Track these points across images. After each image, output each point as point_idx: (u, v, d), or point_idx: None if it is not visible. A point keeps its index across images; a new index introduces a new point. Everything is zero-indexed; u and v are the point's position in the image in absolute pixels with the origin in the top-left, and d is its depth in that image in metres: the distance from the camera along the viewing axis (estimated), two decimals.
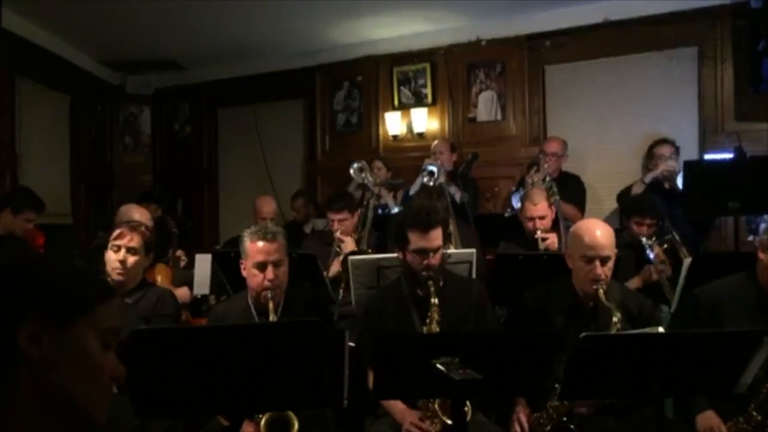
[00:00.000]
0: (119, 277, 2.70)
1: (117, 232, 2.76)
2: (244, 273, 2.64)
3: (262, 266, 2.56)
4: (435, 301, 2.46)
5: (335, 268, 3.59)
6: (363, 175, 4.16)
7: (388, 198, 4.92)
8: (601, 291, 2.39)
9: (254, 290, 2.61)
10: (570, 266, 2.56)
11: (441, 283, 2.60)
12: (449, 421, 2.27)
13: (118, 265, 2.71)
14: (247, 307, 2.66)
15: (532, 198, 3.63)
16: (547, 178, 4.01)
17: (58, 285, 0.88)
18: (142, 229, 2.83)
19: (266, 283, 2.55)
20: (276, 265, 2.58)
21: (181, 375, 1.77)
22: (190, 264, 4.05)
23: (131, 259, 2.73)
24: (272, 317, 2.49)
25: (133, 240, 2.75)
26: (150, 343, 1.78)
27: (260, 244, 2.58)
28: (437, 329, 2.44)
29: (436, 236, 2.55)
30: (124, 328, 2.50)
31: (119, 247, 2.73)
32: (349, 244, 3.73)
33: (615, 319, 2.32)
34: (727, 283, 2.51)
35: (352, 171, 4.20)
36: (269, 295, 2.53)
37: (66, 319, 0.87)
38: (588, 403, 2.38)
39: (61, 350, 0.86)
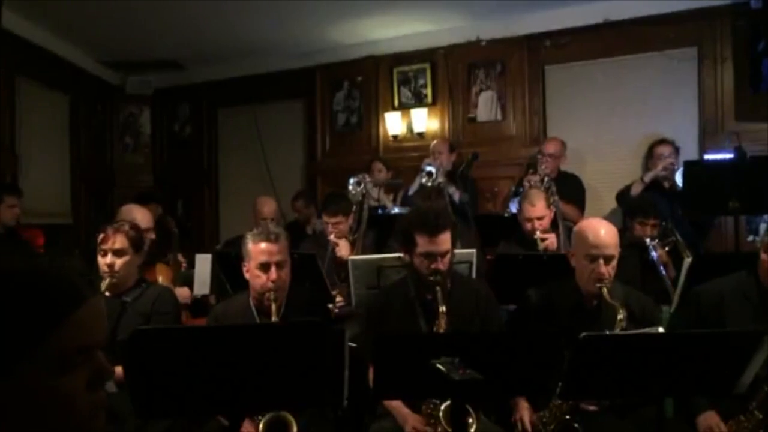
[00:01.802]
0: (111, 280, 2.68)
1: (101, 236, 2.73)
2: (247, 275, 2.63)
3: (265, 267, 2.55)
4: (443, 309, 2.42)
5: (339, 299, 3.54)
6: (361, 188, 4.14)
7: (386, 200, 4.91)
8: (605, 289, 2.39)
9: (257, 292, 2.59)
10: (573, 265, 2.56)
11: (448, 285, 2.57)
12: (450, 431, 2.25)
13: (107, 269, 2.69)
14: (248, 308, 2.65)
15: (530, 199, 3.63)
16: (546, 179, 4.00)
17: None
18: (126, 228, 2.77)
19: (269, 284, 2.54)
20: (279, 266, 2.57)
21: (182, 375, 1.77)
22: (190, 264, 4.05)
23: (119, 262, 2.70)
24: (274, 319, 2.49)
25: (117, 242, 2.71)
26: (150, 343, 1.78)
27: (263, 245, 2.57)
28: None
29: (445, 240, 2.51)
30: (124, 327, 2.52)
31: (105, 252, 2.71)
32: (343, 248, 3.71)
33: (620, 317, 2.32)
34: (729, 281, 2.51)
35: (350, 187, 4.16)
36: (272, 297, 2.52)
37: (6, 366, 0.76)
38: (595, 401, 2.37)
39: (11, 396, 0.76)
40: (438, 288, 2.45)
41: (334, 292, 3.47)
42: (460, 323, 2.50)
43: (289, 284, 2.66)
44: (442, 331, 2.41)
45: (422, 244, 2.51)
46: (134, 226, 2.87)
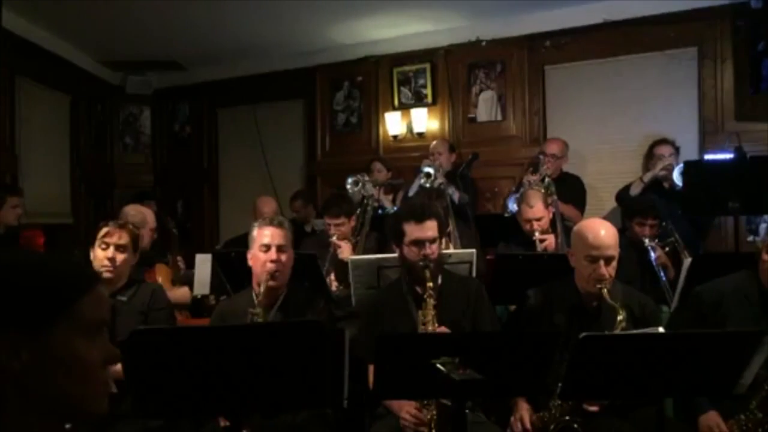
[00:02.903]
0: (108, 275, 2.66)
1: (105, 230, 2.71)
2: (251, 262, 2.70)
3: (266, 247, 2.64)
4: (430, 285, 2.47)
5: (335, 285, 3.57)
6: (359, 187, 4.14)
7: (385, 201, 4.91)
8: (605, 290, 2.39)
9: (258, 275, 2.64)
10: (573, 265, 2.56)
11: (439, 281, 2.62)
12: (447, 402, 2.26)
13: (107, 263, 2.66)
14: (251, 302, 2.67)
15: (528, 200, 3.63)
16: (546, 179, 4.00)
17: (30, 295, 0.86)
18: (130, 227, 2.80)
19: (269, 264, 2.60)
20: (280, 249, 2.64)
21: (181, 375, 1.77)
22: (189, 265, 4.05)
23: (120, 257, 2.70)
24: (261, 296, 2.56)
25: (122, 237, 2.71)
26: (150, 343, 1.78)
27: (267, 229, 2.68)
28: (432, 313, 2.45)
29: (431, 226, 2.59)
30: (122, 325, 2.53)
31: (108, 245, 2.69)
32: (345, 250, 3.70)
33: (620, 318, 2.32)
34: (729, 281, 2.51)
35: (348, 186, 4.16)
36: (269, 276, 2.58)
37: (42, 327, 0.86)
38: (597, 402, 2.37)
39: (43, 357, 0.85)
40: (427, 271, 2.50)
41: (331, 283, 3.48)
42: (450, 317, 2.53)
43: (288, 277, 2.71)
44: (430, 308, 2.45)
45: (410, 231, 2.58)
46: (135, 226, 2.89)
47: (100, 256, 2.69)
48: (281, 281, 2.67)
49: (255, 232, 2.71)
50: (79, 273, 0.93)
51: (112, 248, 2.69)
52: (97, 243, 2.71)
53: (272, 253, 2.63)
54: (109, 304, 0.98)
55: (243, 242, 2.91)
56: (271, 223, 2.70)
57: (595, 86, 5.31)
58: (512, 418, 2.46)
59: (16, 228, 4.40)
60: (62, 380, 0.87)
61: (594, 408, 2.35)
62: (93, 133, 6.58)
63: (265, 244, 2.65)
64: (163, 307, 2.80)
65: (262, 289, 2.58)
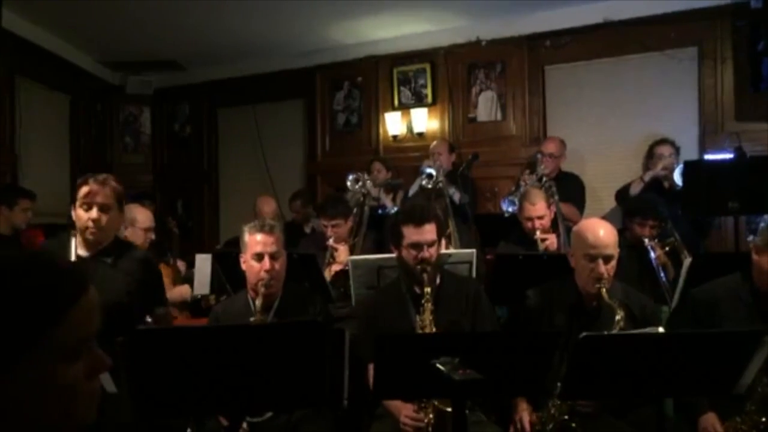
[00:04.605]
0: (92, 237, 2.50)
1: (86, 189, 2.49)
2: (244, 266, 2.69)
3: (259, 257, 2.62)
4: (428, 290, 2.49)
5: (327, 276, 3.57)
6: (359, 185, 4.14)
7: (386, 199, 4.91)
8: (603, 290, 2.40)
9: (252, 282, 2.65)
10: (572, 265, 2.56)
11: (438, 281, 2.63)
12: (447, 408, 2.26)
13: (91, 224, 2.46)
14: (247, 305, 2.69)
15: (530, 198, 3.62)
16: (544, 179, 4.00)
17: None
18: (113, 184, 2.58)
19: (263, 273, 2.60)
20: (273, 256, 2.63)
21: (181, 375, 1.77)
22: (191, 265, 4.05)
23: (105, 217, 2.49)
24: (259, 307, 2.55)
25: (106, 196, 2.50)
26: (150, 343, 1.78)
27: (258, 236, 2.65)
28: (431, 318, 2.46)
29: (430, 230, 2.60)
30: (107, 290, 2.45)
31: (90, 205, 2.48)
32: (342, 253, 3.66)
33: (618, 317, 2.32)
34: (724, 283, 2.51)
35: (348, 183, 4.16)
36: (264, 285, 2.57)
37: (8, 362, 0.78)
38: (591, 402, 2.37)
39: (15, 390, 0.78)
40: (425, 274, 2.51)
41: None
42: (449, 317, 2.54)
43: (284, 279, 2.71)
44: (428, 312, 2.46)
45: (408, 234, 2.59)
46: (118, 182, 2.65)
47: (83, 216, 2.48)
48: (277, 287, 2.68)
49: (246, 238, 2.68)
50: (62, 290, 0.82)
51: (95, 208, 2.49)
52: (78, 202, 2.50)
53: (266, 263, 2.61)
54: (99, 310, 0.87)
55: None
56: (262, 229, 2.66)
57: (595, 86, 5.32)
58: (512, 419, 2.46)
59: (17, 230, 4.40)
60: (41, 406, 0.80)
61: (587, 409, 2.35)
62: (93, 133, 6.59)
63: (258, 253, 2.63)
64: (157, 280, 2.77)
65: (258, 300, 2.57)
